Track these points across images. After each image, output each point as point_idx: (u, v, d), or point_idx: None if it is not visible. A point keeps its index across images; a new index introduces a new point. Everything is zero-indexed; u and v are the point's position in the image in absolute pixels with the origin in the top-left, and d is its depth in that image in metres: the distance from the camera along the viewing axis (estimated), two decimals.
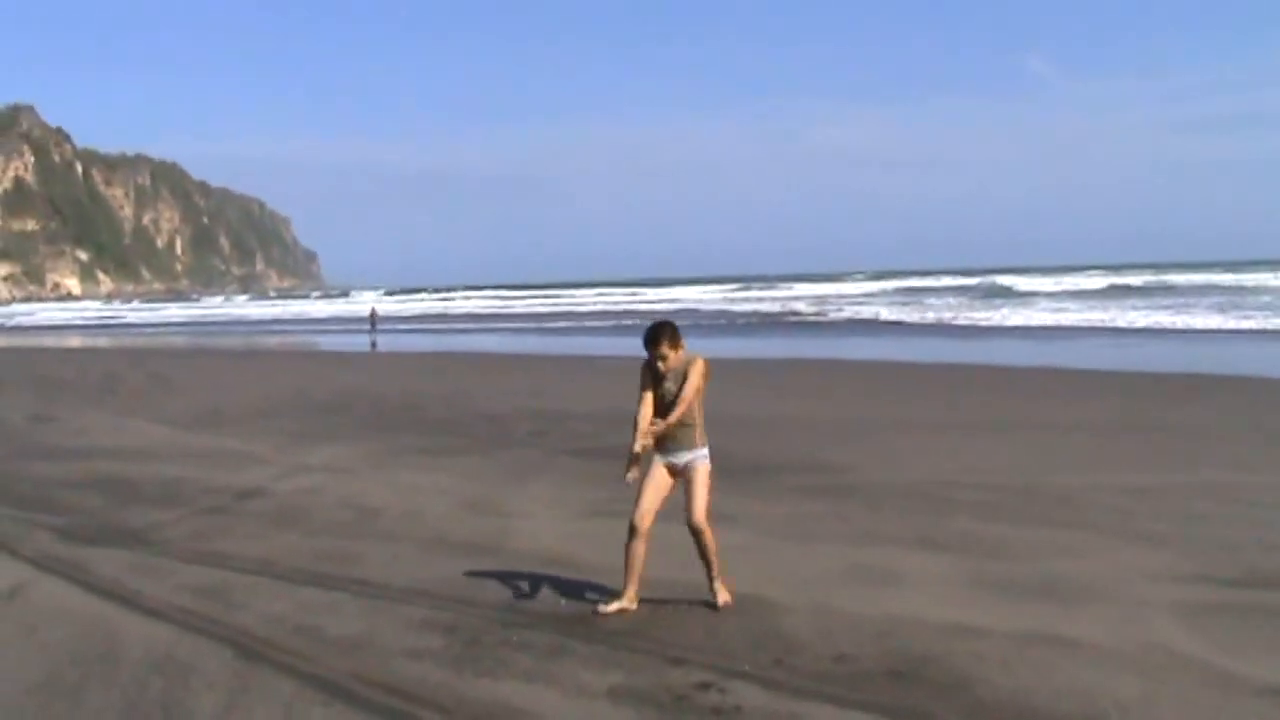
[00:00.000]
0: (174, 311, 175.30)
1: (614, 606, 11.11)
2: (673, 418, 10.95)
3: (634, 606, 11.12)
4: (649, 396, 11.19)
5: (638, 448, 11.07)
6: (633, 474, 11.17)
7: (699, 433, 11.24)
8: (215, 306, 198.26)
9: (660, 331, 11.15)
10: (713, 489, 11.35)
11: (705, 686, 8.84)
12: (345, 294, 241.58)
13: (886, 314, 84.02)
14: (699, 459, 11.24)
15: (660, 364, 11.08)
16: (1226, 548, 13.05)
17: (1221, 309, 70.97)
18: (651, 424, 11.00)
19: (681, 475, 11.25)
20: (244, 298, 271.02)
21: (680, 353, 11.14)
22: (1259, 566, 12.25)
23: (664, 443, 11.17)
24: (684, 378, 11.09)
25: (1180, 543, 13.22)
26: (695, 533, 11.15)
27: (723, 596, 11.20)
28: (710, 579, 11.27)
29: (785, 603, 11.11)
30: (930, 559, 12.60)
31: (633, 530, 11.22)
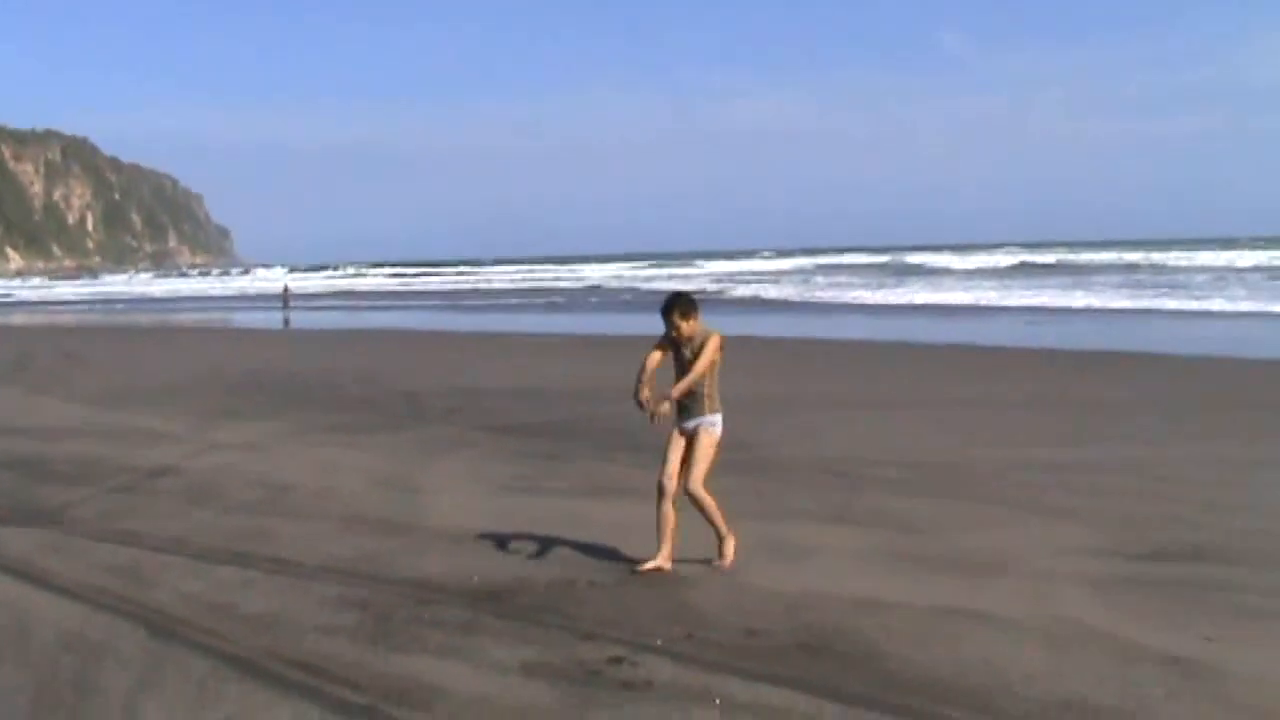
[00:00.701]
0: (83, 289, 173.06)
1: (649, 565, 11.42)
2: (681, 386, 11.51)
3: (668, 566, 11.42)
4: (656, 354, 11.82)
5: (643, 395, 11.65)
6: (651, 401, 11.66)
7: (709, 402, 11.62)
8: (125, 283, 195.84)
9: (672, 302, 11.66)
10: (716, 458, 11.76)
11: (617, 661, 8.87)
12: (247, 271, 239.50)
13: (794, 292, 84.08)
14: (705, 425, 11.60)
15: (674, 333, 11.57)
16: (1135, 522, 13.21)
17: (1130, 287, 71.57)
18: (664, 394, 11.59)
19: (689, 440, 11.62)
20: (148, 275, 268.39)
21: (694, 324, 11.55)
22: (1165, 540, 12.41)
23: (679, 409, 11.65)
24: (699, 349, 11.46)
25: (1090, 517, 13.37)
26: (691, 499, 11.49)
27: (725, 560, 11.64)
28: (718, 540, 11.69)
29: (697, 578, 11.19)
30: (843, 534, 12.70)
31: (660, 490, 11.61)
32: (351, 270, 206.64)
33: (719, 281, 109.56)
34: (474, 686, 8.49)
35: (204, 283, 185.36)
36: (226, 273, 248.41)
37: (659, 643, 9.28)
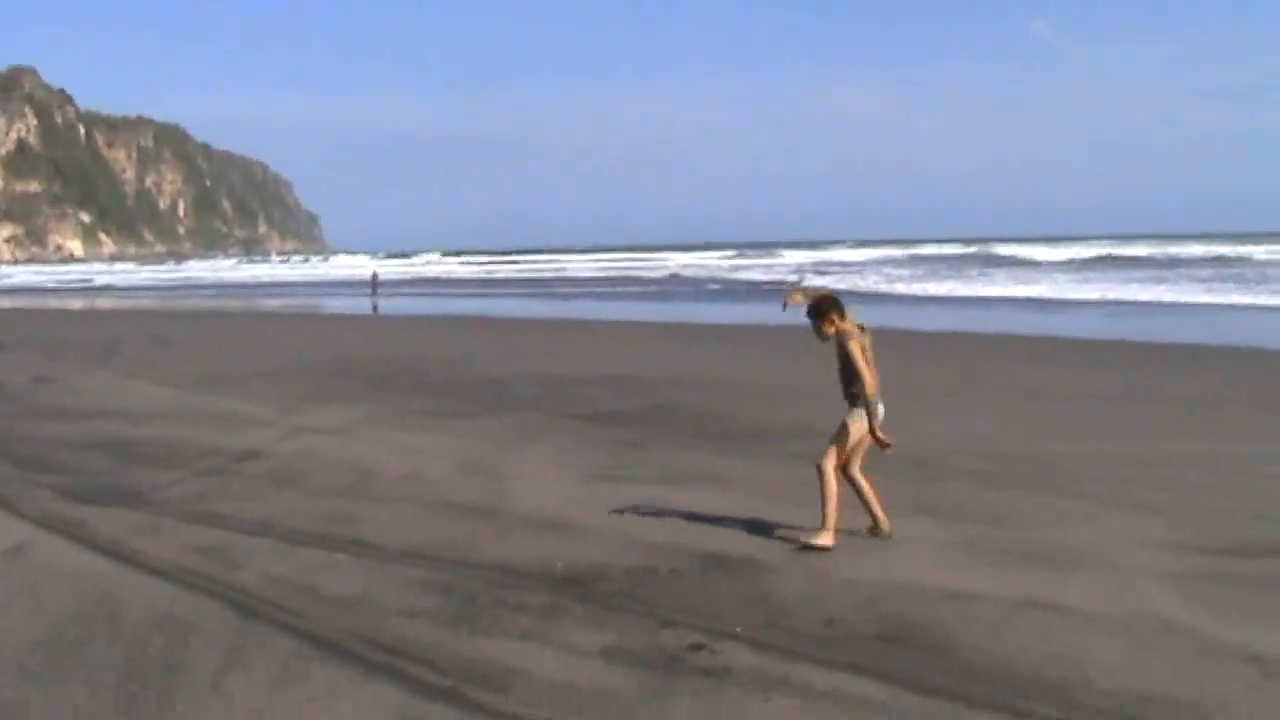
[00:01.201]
0: (171, 275, 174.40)
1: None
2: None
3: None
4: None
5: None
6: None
7: (854, 394, 12.06)
8: (211, 269, 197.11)
9: (810, 313, 12.42)
10: (835, 441, 12.14)
11: (697, 648, 8.94)
12: (326, 259, 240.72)
13: (884, 284, 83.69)
14: (845, 415, 12.10)
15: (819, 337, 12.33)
16: (1219, 517, 13.12)
17: (1217, 280, 70.91)
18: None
19: None
20: (233, 261, 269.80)
21: (833, 326, 12.17)
22: (1250, 536, 12.32)
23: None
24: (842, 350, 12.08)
25: (1174, 511, 13.29)
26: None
27: (884, 527, 12.33)
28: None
29: (779, 566, 11.21)
30: (924, 525, 12.67)
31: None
32: (438, 257, 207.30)
33: (796, 272, 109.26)
34: (554, 671, 8.57)
35: (290, 269, 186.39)
36: (306, 259, 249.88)
37: (739, 630, 9.34)
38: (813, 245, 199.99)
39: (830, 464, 11.93)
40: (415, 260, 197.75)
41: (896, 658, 8.77)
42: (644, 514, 13.40)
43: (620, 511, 13.53)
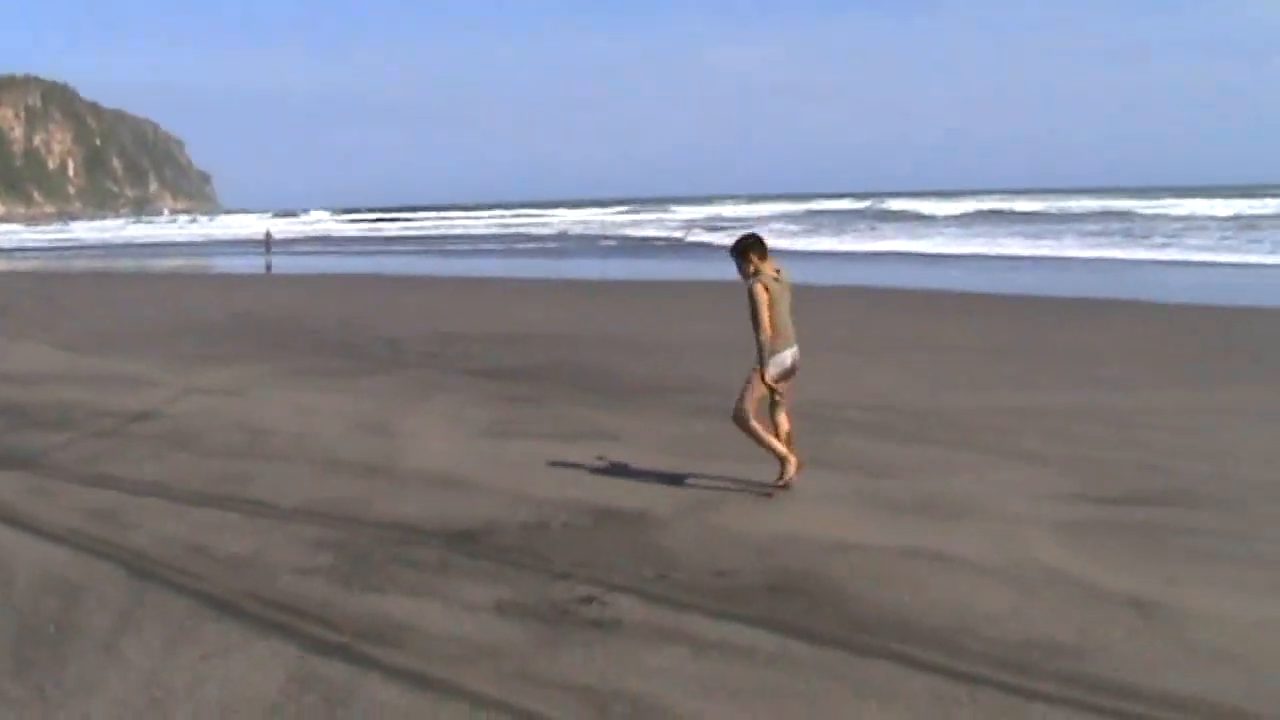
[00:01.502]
0: (60, 235, 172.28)
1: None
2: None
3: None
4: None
5: None
6: None
7: (757, 346, 12.24)
8: (100, 230, 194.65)
9: (732, 251, 12.65)
10: (746, 394, 12.40)
11: (588, 600, 9.03)
12: (213, 219, 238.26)
13: (774, 239, 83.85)
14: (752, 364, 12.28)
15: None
16: (1105, 467, 13.33)
17: (1106, 235, 71.66)
18: None
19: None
20: (122, 221, 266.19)
21: (752, 267, 12.37)
22: (1135, 485, 12.53)
23: None
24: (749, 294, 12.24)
25: (1062, 462, 13.49)
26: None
27: (782, 479, 12.35)
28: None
29: (670, 519, 11.31)
30: (815, 477, 12.74)
31: None
32: (328, 216, 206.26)
33: (684, 228, 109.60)
34: (447, 625, 8.63)
35: (181, 229, 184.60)
36: (195, 219, 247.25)
37: (629, 583, 9.43)
38: (706, 200, 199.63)
39: (745, 411, 12.15)
40: (308, 219, 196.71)
41: (786, 608, 8.88)
42: (537, 469, 13.48)
43: (513, 467, 13.60)
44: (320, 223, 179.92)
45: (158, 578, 9.97)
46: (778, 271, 12.26)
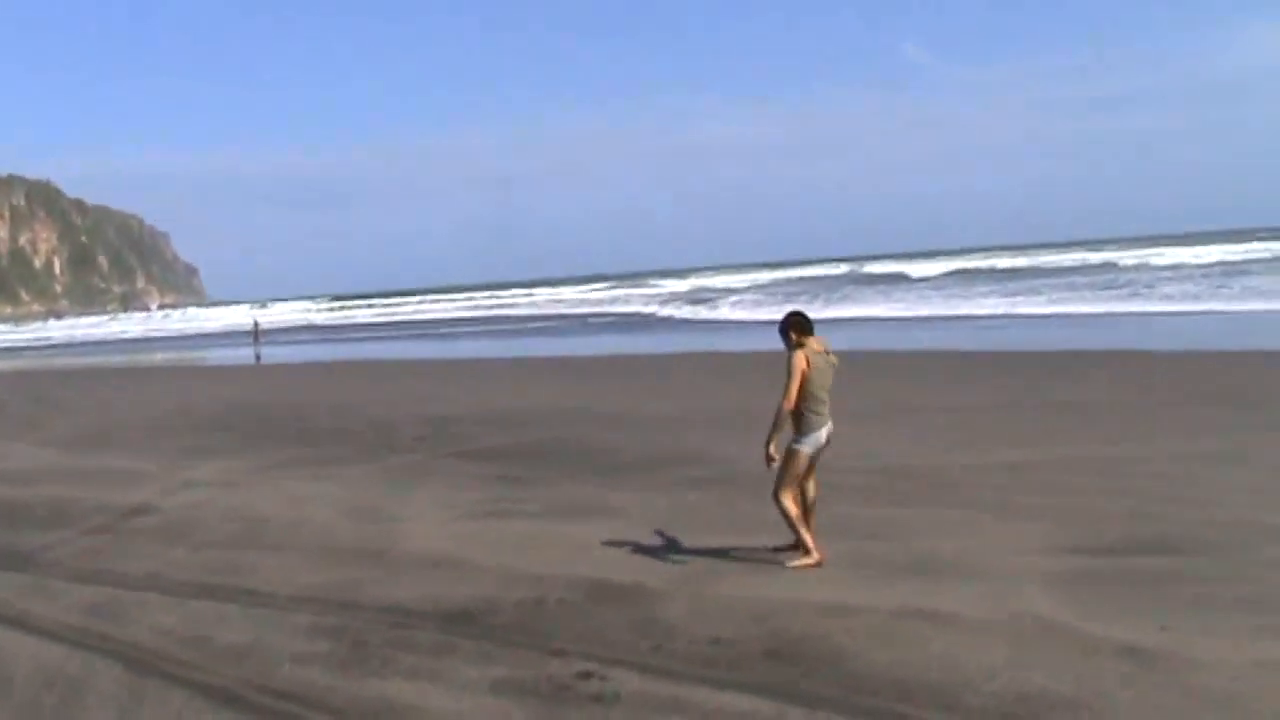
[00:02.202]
0: (49, 333, 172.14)
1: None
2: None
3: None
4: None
5: None
6: None
7: (794, 420, 12.33)
8: (94, 326, 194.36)
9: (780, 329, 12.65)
10: (784, 472, 12.36)
11: (586, 676, 9.07)
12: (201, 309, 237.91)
13: (742, 311, 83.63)
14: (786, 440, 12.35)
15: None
16: (1097, 518, 13.40)
17: (1091, 289, 71.71)
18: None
19: None
20: (105, 317, 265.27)
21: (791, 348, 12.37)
22: (1126, 534, 12.61)
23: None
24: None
25: (1054, 516, 13.54)
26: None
27: (793, 563, 12.22)
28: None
29: (665, 591, 11.35)
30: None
31: None
32: (315, 304, 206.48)
33: (664, 302, 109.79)
34: (445, 706, 8.67)
35: (169, 322, 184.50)
36: (184, 312, 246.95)
37: (627, 656, 9.49)
38: (686, 273, 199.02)
39: (782, 490, 12.24)
40: (295, 307, 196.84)
41: (783, 673, 8.94)
42: (531, 547, 13.52)
43: (507, 546, 13.64)
44: (308, 311, 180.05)
45: (157, 671, 10.00)
46: (824, 349, 12.38)
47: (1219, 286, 62.05)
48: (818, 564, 12.02)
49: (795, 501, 12.22)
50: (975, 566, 11.74)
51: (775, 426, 12.09)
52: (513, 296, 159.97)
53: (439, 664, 9.64)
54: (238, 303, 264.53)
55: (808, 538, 12.16)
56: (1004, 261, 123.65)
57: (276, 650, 10.34)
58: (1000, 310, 61.14)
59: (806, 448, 12.18)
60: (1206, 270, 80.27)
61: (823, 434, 12.25)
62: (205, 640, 10.81)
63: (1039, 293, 71.81)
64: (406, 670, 9.53)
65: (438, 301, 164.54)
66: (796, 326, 12.33)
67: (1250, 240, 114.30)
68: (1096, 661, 8.82)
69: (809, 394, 12.11)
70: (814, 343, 12.27)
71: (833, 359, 12.37)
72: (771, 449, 12.06)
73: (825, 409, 12.27)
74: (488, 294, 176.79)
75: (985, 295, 74.26)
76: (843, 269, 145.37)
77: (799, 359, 12.09)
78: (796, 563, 12.06)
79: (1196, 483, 15.30)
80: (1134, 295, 62.63)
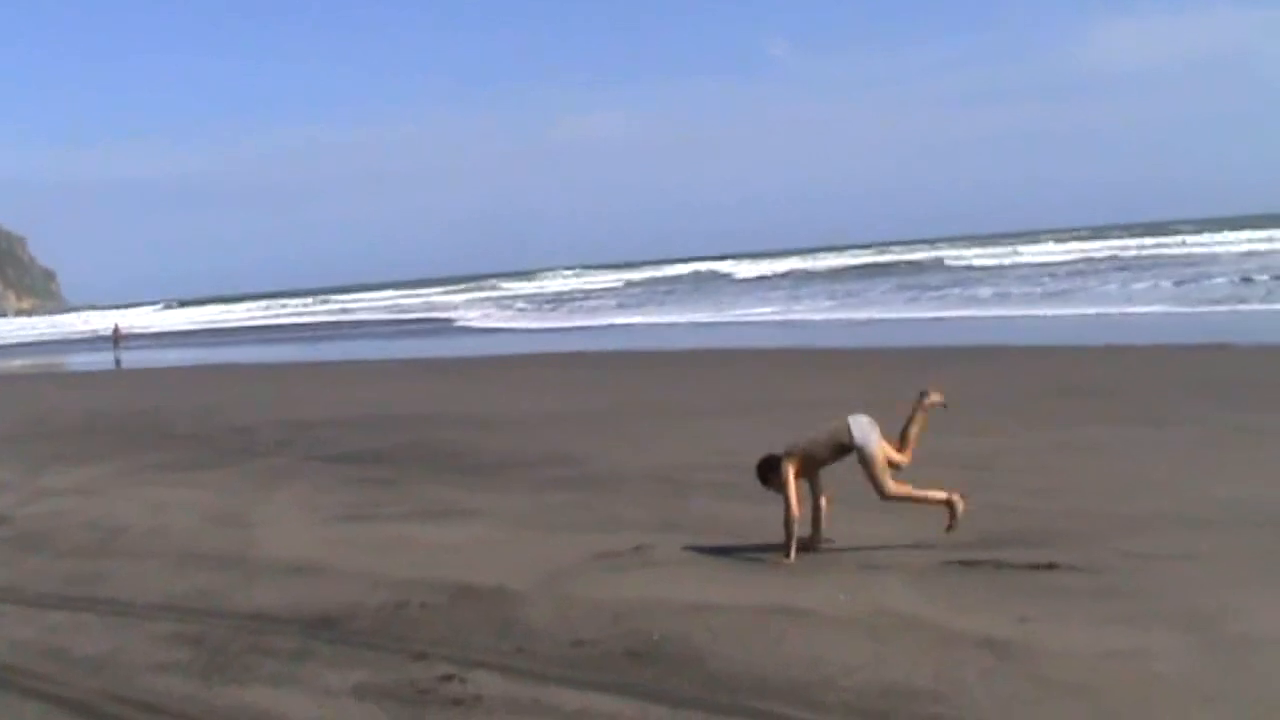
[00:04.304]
0: None
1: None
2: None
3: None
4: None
5: None
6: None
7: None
8: None
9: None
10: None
11: (447, 678, 9.06)
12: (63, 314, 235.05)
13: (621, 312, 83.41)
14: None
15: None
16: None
17: (930, 288, 71.96)
18: None
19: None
20: None
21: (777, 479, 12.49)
22: (986, 527, 12.70)
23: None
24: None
25: (915, 510, 13.63)
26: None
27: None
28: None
29: (527, 593, 11.34)
30: (671, 541, 12.87)
31: None
32: (165, 307, 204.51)
33: (555, 300, 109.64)
34: (306, 711, 8.64)
35: (25, 328, 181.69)
36: (41, 316, 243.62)
37: (489, 658, 9.49)
38: (530, 274, 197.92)
39: (888, 488, 12.49)
40: (155, 310, 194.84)
41: (645, 673, 8.97)
42: (393, 550, 13.48)
43: (369, 549, 13.60)
44: (167, 313, 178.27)
45: (11, 684, 9.88)
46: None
47: (1059, 290, 62.10)
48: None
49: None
50: (836, 562, 11.86)
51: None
52: (355, 300, 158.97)
53: (300, 670, 9.59)
54: (97, 307, 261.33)
55: (935, 495, 12.49)
56: (846, 259, 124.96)
57: (135, 660, 10.24)
58: (822, 315, 60.74)
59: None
60: (1053, 269, 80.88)
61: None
62: (63, 651, 10.69)
63: (870, 292, 72.18)
64: (267, 677, 9.48)
65: (286, 306, 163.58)
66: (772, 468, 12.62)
67: (1110, 238, 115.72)
68: (956, 654, 8.92)
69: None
70: (789, 461, 12.46)
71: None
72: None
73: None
74: (348, 296, 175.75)
75: (810, 296, 74.50)
76: (686, 269, 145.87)
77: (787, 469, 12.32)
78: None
79: (1054, 475, 15.53)
80: (969, 296, 62.50)
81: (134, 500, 18.40)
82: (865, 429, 12.32)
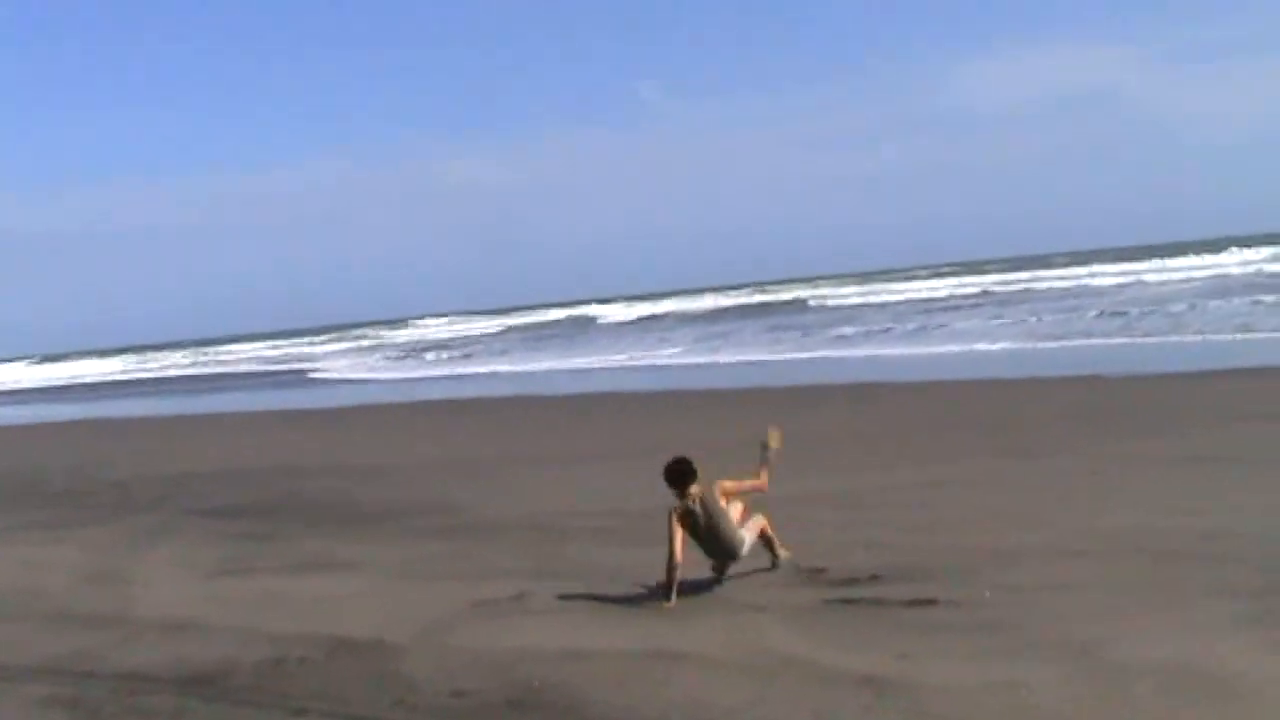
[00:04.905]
0: None
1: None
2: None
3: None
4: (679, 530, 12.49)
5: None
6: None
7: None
8: None
9: (685, 471, 12.90)
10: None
11: None
12: None
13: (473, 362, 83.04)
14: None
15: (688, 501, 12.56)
16: (833, 550, 13.58)
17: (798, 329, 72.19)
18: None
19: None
20: None
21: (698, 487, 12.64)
22: (864, 564, 12.80)
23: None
24: (711, 507, 12.50)
25: (795, 549, 13.69)
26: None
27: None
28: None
29: (405, 644, 11.31)
30: (549, 588, 12.87)
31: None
32: (27, 363, 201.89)
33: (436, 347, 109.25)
34: None
35: None
36: None
37: (367, 712, 9.44)
38: (402, 322, 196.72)
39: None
40: (27, 365, 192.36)
41: None
42: (271, 605, 13.38)
43: (247, 605, 13.49)
44: (37, 368, 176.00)
45: None
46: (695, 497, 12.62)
47: (931, 325, 62.49)
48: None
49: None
50: (715, 603, 11.94)
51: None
52: (228, 352, 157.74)
53: None
54: None
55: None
56: (720, 300, 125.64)
57: None
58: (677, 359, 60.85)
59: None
60: (926, 305, 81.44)
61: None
62: None
63: (743, 333, 72.41)
64: None
65: (157, 358, 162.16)
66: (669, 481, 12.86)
67: (979, 273, 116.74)
68: (836, 693, 8.97)
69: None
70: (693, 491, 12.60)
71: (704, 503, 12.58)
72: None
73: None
74: (221, 348, 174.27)
75: (665, 340, 74.67)
76: (561, 314, 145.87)
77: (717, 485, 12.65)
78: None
79: (932, 510, 15.67)
80: (842, 335, 62.67)
81: (6, 559, 18.17)
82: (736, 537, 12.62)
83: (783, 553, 12.84)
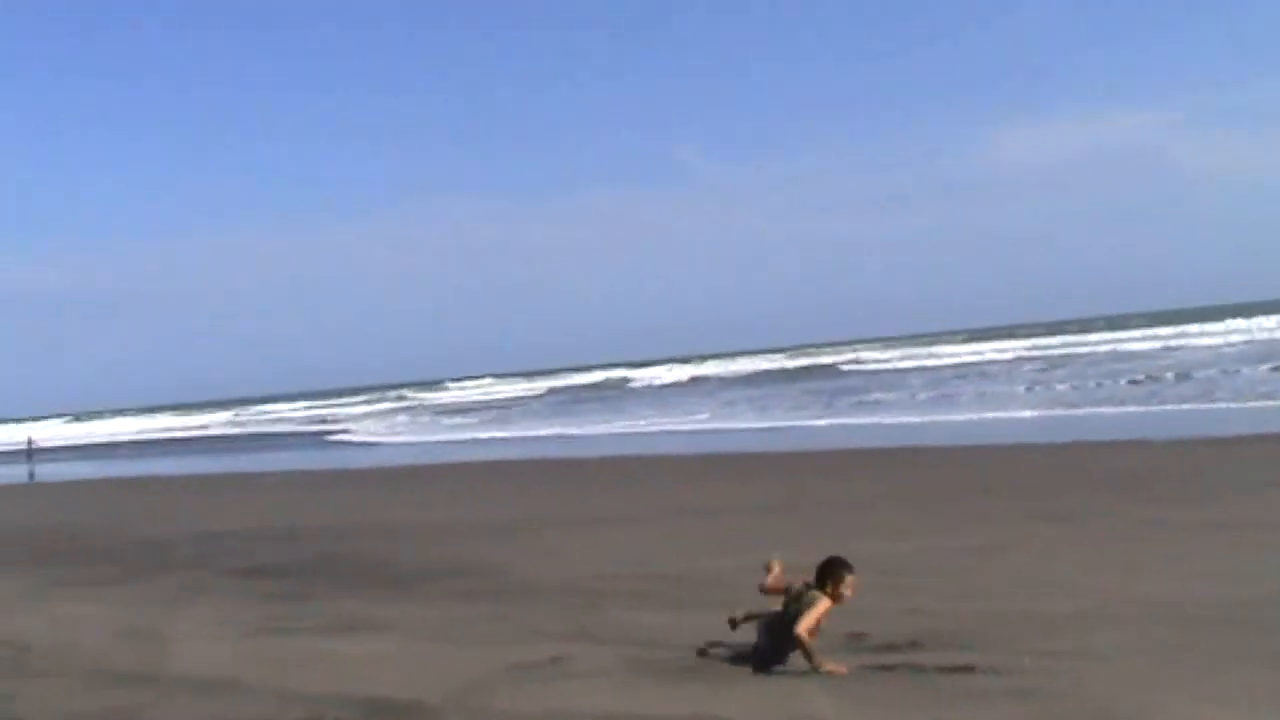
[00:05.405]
0: None
1: None
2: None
3: None
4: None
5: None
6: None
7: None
8: None
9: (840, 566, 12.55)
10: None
11: None
12: None
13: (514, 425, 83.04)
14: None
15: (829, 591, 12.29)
16: (872, 615, 13.47)
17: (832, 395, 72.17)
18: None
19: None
20: None
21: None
22: (903, 630, 12.76)
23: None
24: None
25: (835, 615, 13.62)
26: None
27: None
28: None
29: (442, 707, 11.24)
30: (587, 651, 12.82)
31: None
32: (98, 418, 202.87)
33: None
34: None
35: None
36: None
37: None
38: (438, 384, 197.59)
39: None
40: (63, 423, 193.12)
41: None
42: (308, 666, 13.33)
43: (284, 665, 13.44)
44: (74, 426, 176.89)
45: None
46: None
47: (969, 391, 62.41)
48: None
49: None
50: (752, 670, 11.81)
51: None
52: (264, 412, 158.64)
53: None
54: (7, 420, 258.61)
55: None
56: (757, 364, 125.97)
57: None
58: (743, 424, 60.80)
59: None
60: (963, 370, 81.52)
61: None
62: None
63: (780, 396, 72.50)
64: None
65: (195, 417, 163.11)
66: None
67: (1017, 337, 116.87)
68: None
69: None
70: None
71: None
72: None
73: None
74: (258, 408, 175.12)
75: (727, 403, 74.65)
76: (598, 377, 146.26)
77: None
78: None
79: (971, 576, 15.60)
80: (880, 400, 62.76)
81: (43, 617, 18.15)
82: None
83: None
